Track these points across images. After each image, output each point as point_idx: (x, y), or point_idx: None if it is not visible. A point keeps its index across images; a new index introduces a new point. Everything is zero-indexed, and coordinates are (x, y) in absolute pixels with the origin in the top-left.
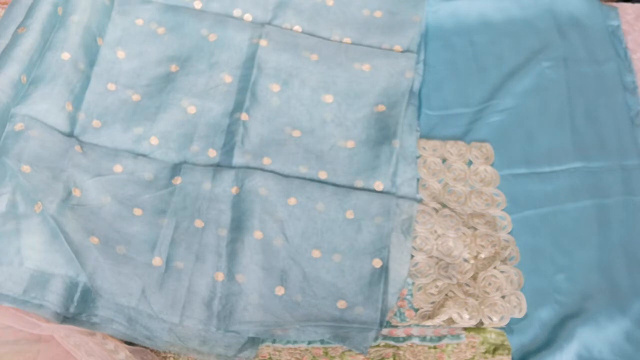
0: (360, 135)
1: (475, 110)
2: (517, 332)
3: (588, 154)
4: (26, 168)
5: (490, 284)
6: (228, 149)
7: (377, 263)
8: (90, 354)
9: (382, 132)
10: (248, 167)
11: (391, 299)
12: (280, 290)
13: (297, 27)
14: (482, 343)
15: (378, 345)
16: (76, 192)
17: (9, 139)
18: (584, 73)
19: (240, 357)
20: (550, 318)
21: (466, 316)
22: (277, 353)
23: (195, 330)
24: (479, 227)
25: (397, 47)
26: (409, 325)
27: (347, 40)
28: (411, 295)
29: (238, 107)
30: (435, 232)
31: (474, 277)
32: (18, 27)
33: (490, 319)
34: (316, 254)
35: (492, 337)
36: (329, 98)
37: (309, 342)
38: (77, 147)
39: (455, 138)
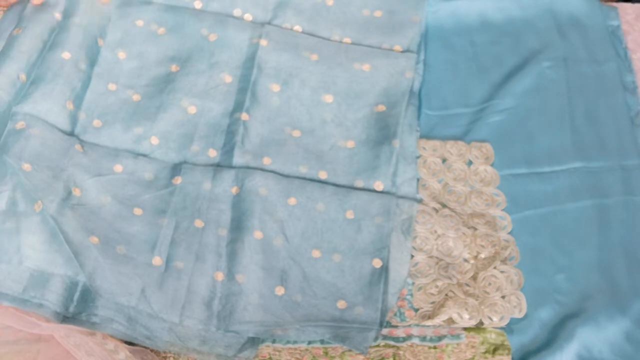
0: (360, 135)
1: (475, 110)
2: (517, 332)
3: (588, 154)
4: (27, 166)
5: (490, 284)
6: (228, 148)
7: (377, 263)
8: (90, 354)
9: (382, 132)
10: (248, 167)
11: (391, 299)
12: (280, 290)
13: (297, 27)
14: (482, 343)
15: (378, 345)
16: (76, 192)
17: (10, 137)
18: (584, 73)
19: (240, 357)
20: (550, 318)
21: (466, 316)
22: (277, 353)
23: (195, 330)
24: (479, 227)
25: (397, 47)
26: (409, 325)
27: (347, 40)
28: (411, 295)
29: (238, 107)
30: (435, 232)
31: (474, 277)
32: (14, 29)
33: (490, 319)
34: (316, 254)
35: (492, 337)
36: (329, 98)
37: (309, 342)
38: (78, 146)
39: (455, 138)
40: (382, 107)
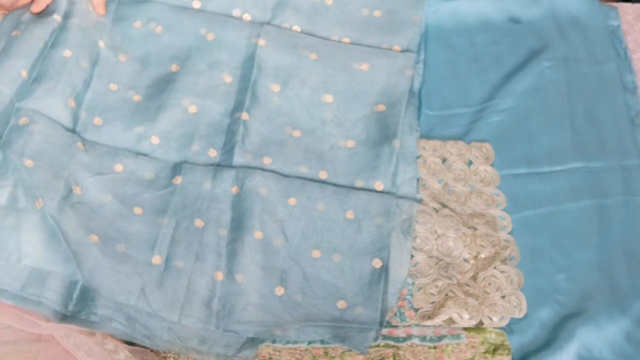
0: (360, 135)
1: (475, 110)
2: (517, 332)
3: (588, 154)
4: (29, 162)
5: (490, 284)
6: (228, 148)
7: (377, 263)
8: (90, 354)
9: (382, 132)
10: (248, 167)
11: (391, 299)
12: (280, 290)
13: (296, 27)
14: (482, 343)
15: (378, 345)
16: (77, 190)
17: (13, 133)
18: (584, 73)
19: (239, 357)
20: (550, 318)
21: (466, 316)
22: (277, 353)
23: (194, 329)
24: (479, 227)
25: (396, 47)
26: (409, 325)
27: (346, 40)
28: (411, 295)
29: (238, 106)
30: (435, 232)
31: (474, 277)
32: (12, 31)
33: (490, 319)
34: (316, 254)
35: (492, 337)
36: (328, 98)
37: (309, 342)
38: (80, 144)
39: (455, 138)
40: (382, 107)
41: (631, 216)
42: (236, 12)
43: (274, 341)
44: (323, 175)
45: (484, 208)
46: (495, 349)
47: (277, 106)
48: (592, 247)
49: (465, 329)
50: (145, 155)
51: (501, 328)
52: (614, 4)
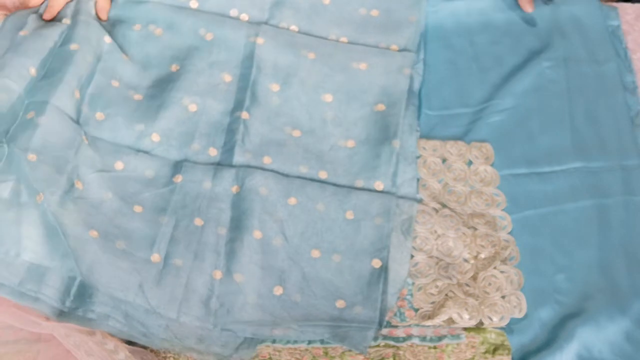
0: (360, 135)
1: (475, 110)
2: (517, 332)
3: (588, 154)
4: (32, 157)
5: (490, 284)
6: (229, 147)
7: (377, 263)
8: (90, 353)
9: (382, 132)
10: (248, 166)
11: (391, 299)
12: (278, 290)
13: (293, 27)
14: (482, 343)
15: (378, 345)
16: (79, 185)
17: (19, 128)
18: (584, 73)
19: (237, 357)
20: (550, 318)
21: (466, 316)
22: (277, 353)
23: (191, 328)
24: (479, 227)
25: (394, 47)
26: (409, 325)
27: (344, 39)
28: (411, 295)
29: (238, 105)
30: (435, 232)
31: (474, 277)
32: (18, 31)
33: (490, 319)
34: (315, 254)
35: (492, 337)
36: (328, 97)
37: (309, 342)
38: (84, 137)
39: (455, 138)
40: (381, 106)
41: (631, 216)
42: (233, 12)
43: (273, 341)
44: (323, 175)
45: (484, 208)
46: (495, 349)
47: (276, 106)
48: (592, 247)
49: (465, 329)
50: (145, 152)
51: (501, 328)
52: (614, 4)
